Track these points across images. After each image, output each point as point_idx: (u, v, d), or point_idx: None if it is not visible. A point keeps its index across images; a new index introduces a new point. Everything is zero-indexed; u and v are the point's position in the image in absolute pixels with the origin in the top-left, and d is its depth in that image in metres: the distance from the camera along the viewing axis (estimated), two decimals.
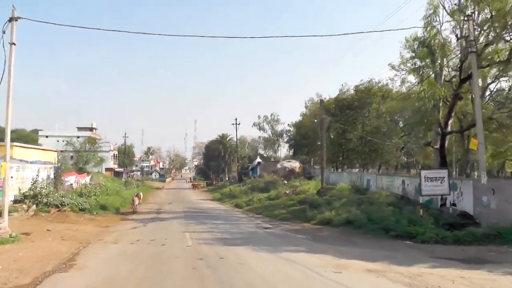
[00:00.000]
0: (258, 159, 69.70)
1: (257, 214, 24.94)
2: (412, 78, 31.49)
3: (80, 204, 22.54)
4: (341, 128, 42.17)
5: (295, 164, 51.56)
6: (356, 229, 16.70)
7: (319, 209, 21.33)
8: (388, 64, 29.40)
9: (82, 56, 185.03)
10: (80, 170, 48.31)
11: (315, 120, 36.70)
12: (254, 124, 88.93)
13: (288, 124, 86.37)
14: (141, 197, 35.85)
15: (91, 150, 71.07)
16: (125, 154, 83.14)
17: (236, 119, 62.68)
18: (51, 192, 22.62)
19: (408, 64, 28.24)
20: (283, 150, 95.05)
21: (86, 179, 34.57)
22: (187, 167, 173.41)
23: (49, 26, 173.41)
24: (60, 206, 21.24)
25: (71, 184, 30.22)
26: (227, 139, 71.35)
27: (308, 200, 24.03)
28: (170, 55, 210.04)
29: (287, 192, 31.02)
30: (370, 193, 22.52)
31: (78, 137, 73.89)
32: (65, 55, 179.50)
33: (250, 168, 66.63)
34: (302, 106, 63.40)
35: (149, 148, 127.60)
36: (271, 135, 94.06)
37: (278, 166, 51.58)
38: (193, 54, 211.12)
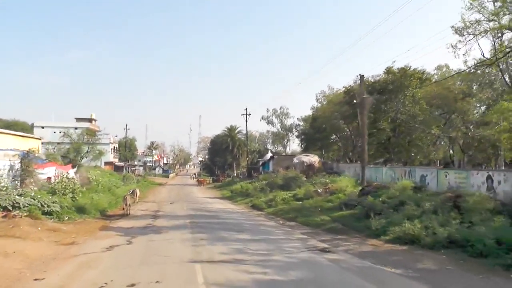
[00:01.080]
0: (269, 154, 62.93)
1: (288, 221, 17.95)
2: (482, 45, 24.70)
3: (45, 206, 15.70)
4: (372, 116, 35.56)
5: (314, 159, 44.59)
6: (474, 256, 9.78)
7: (385, 217, 14.41)
8: (451, 27, 22.35)
9: (86, 51, 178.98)
10: (71, 163, 41.81)
11: (354, 101, 29.51)
12: (262, 118, 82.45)
13: (298, 118, 79.98)
14: (138, 194, 29.12)
15: (89, 142, 64.55)
16: (125, 147, 76.43)
17: (246, 109, 55.69)
18: (5, 188, 15.85)
19: (477, 27, 21.82)
20: (293, 145, 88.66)
21: (70, 171, 27.70)
22: (191, 163, 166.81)
23: (52, 22, 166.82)
24: (11, 208, 14.43)
25: (49, 178, 23.38)
26: (236, 131, 63.95)
27: (366, 204, 16.81)
28: (173, 47, 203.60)
29: (319, 190, 24.01)
30: (468, 195, 15.28)
31: (76, 128, 67.27)
32: (69, 49, 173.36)
33: (261, 163, 59.66)
34: (312, 100, 56.88)
35: (152, 143, 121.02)
36: (280, 129, 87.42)
37: (295, 160, 44.58)
38: (197, 46, 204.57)
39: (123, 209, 20.57)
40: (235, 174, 61.67)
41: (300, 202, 22.79)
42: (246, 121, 55.87)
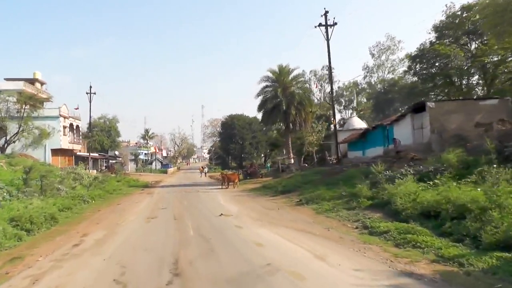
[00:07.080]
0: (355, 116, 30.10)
1: None
2: None
3: None
4: None
5: None
6: None
7: None
8: None
9: (85, 47, 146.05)
10: None
11: None
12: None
13: (339, 87, 52.48)
14: None
15: (19, 115, 31.69)
16: (90, 127, 42.72)
17: (326, 12, 22.50)
18: None
19: None
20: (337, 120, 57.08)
21: None
22: (195, 156, 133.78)
23: (51, 19, 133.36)
24: None
25: None
26: (289, 77, 28.16)
27: None
28: (173, 37, 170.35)
29: None
30: None
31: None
32: (70, 46, 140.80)
33: (348, 137, 26.43)
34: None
35: (147, 130, 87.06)
36: (322, 97, 55.49)
37: None
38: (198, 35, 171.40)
39: None
40: (292, 161, 28.43)
41: None
42: (328, 39, 22.44)
